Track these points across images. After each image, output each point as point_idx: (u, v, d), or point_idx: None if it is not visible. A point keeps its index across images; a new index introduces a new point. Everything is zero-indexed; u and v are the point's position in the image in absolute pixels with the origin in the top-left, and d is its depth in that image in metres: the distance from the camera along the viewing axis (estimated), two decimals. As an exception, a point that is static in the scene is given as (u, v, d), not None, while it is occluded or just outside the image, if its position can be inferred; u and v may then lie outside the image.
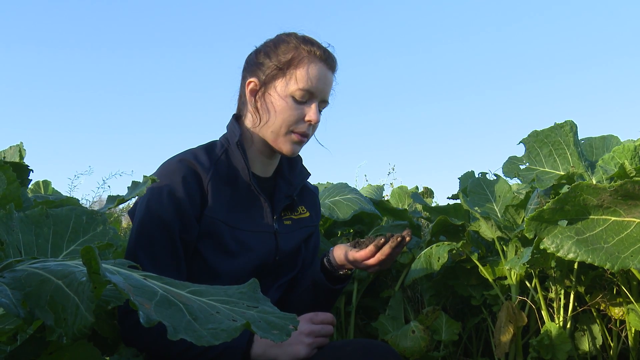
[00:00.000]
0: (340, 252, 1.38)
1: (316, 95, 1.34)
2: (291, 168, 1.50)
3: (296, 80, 1.32)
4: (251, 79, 1.38)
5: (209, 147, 1.39)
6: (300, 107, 1.33)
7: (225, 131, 1.45)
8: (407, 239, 1.25)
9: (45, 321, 0.62)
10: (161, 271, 1.20)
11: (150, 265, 1.22)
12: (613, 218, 1.18)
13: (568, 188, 1.17)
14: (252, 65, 1.40)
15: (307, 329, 1.21)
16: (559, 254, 1.19)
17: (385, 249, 1.25)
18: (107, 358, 1.17)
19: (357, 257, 1.28)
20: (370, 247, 1.25)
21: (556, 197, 1.17)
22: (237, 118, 1.45)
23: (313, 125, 1.37)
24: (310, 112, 1.33)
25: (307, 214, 1.52)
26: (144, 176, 2.01)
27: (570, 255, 1.18)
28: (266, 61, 1.36)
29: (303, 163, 1.55)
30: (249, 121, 1.41)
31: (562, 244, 1.20)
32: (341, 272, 1.40)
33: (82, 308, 0.60)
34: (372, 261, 1.27)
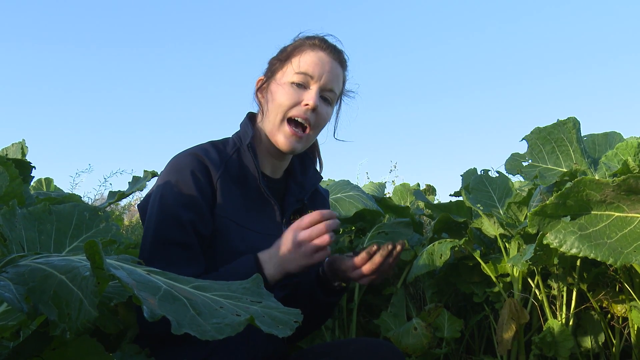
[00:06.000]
0: (333, 262, 1.36)
1: (314, 79, 1.32)
2: (303, 171, 1.48)
3: (293, 66, 1.32)
4: (259, 78, 1.42)
5: (221, 145, 1.38)
6: (298, 91, 1.32)
7: (238, 129, 1.44)
8: (399, 247, 1.23)
9: (49, 316, 0.62)
10: (176, 266, 1.19)
11: (165, 261, 1.20)
12: (616, 214, 1.18)
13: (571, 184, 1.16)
14: (265, 69, 1.43)
15: (297, 240, 1.19)
16: (562, 249, 1.19)
17: (377, 258, 1.23)
18: (110, 354, 1.17)
19: (349, 265, 1.27)
20: (363, 254, 1.24)
21: (559, 192, 1.17)
22: (251, 117, 1.44)
23: (316, 115, 1.33)
24: (308, 95, 1.31)
25: None
26: (145, 171, 2.02)
27: (574, 250, 1.18)
28: (273, 60, 1.40)
29: (316, 167, 1.52)
30: (258, 118, 1.42)
31: (565, 239, 1.20)
32: (335, 284, 1.38)
33: (85, 303, 0.60)
34: (364, 270, 1.26)
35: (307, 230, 1.19)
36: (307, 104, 1.31)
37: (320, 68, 1.32)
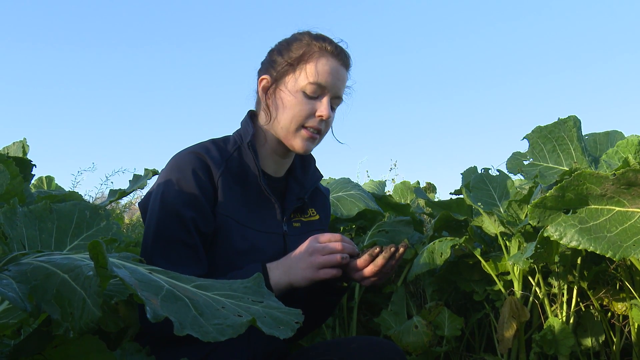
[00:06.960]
0: None
1: (327, 90, 1.32)
2: (304, 169, 1.48)
3: (306, 75, 1.30)
4: (264, 76, 1.38)
5: (222, 143, 1.37)
6: (310, 102, 1.31)
7: (239, 127, 1.43)
8: (401, 249, 1.23)
9: (52, 315, 0.61)
10: (179, 265, 1.18)
11: (167, 259, 1.20)
12: (617, 208, 1.19)
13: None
14: (266, 63, 1.40)
15: (311, 248, 1.21)
16: (562, 242, 1.21)
17: (379, 260, 1.22)
18: (111, 352, 1.17)
19: (351, 266, 1.26)
20: (365, 256, 1.23)
21: (558, 185, 1.18)
22: (252, 115, 1.43)
23: (326, 122, 1.34)
24: (321, 107, 1.31)
25: (317, 217, 1.50)
26: (145, 169, 2.02)
27: (573, 243, 1.20)
28: (278, 59, 1.36)
29: (316, 164, 1.52)
30: (262, 119, 1.40)
31: (565, 232, 1.21)
32: (337, 284, 1.36)
33: (89, 302, 0.60)
34: (366, 272, 1.25)
35: (323, 244, 1.21)
36: (320, 115, 1.31)
37: (332, 78, 1.32)
